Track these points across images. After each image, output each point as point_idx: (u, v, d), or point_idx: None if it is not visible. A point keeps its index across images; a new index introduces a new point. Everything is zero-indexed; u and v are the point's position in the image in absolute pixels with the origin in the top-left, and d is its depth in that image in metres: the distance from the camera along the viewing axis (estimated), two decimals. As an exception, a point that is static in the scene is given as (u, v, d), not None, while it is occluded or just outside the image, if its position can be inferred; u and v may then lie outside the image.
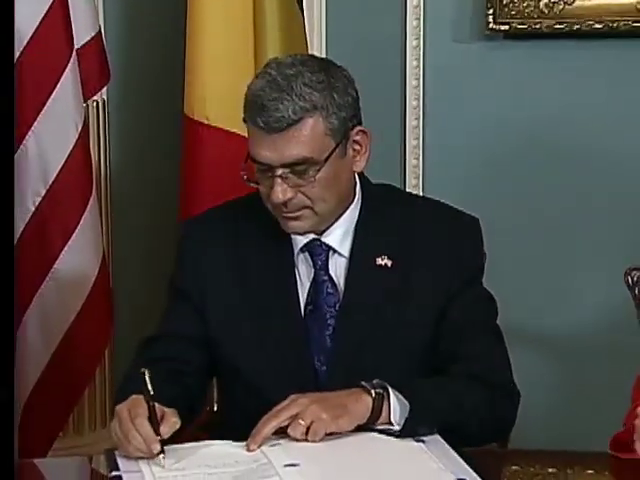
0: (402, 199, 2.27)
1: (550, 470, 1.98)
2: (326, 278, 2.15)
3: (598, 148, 2.94)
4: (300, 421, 1.91)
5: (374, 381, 1.98)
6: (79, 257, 2.83)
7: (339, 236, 2.15)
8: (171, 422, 1.90)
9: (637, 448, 1.86)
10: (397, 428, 1.96)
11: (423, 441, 1.96)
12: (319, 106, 2.03)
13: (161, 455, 1.86)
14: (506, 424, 2.16)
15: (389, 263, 2.15)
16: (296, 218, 2.09)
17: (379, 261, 2.15)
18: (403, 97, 2.98)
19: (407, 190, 2.91)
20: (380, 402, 1.96)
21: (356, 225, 2.16)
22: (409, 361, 2.14)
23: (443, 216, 2.22)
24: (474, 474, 1.82)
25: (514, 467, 2.04)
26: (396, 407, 1.96)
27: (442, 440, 1.95)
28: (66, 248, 2.80)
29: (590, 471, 2.00)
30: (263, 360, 2.13)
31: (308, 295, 2.15)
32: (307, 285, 2.15)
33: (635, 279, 2.37)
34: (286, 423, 1.92)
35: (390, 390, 1.97)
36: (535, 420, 2.26)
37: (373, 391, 1.96)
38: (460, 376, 2.08)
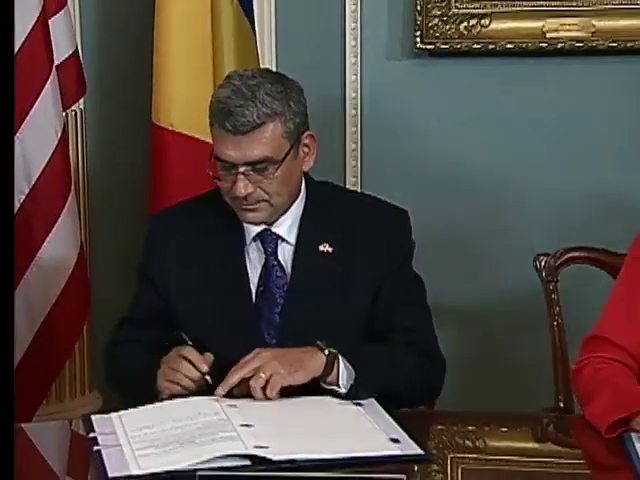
0: (341, 194, 2.29)
1: (470, 428, 2.00)
2: (275, 263, 2.15)
3: (507, 151, 2.96)
4: (261, 374, 1.94)
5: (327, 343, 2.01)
6: (59, 247, 2.81)
7: (287, 226, 2.16)
8: (208, 357, 2.01)
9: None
10: (343, 391, 1.99)
11: (361, 404, 1.97)
12: (278, 112, 2.04)
13: (207, 376, 1.97)
14: (436, 388, 2.19)
15: (330, 250, 2.16)
16: (254, 210, 2.10)
17: (321, 248, 2.16)
18: (343, 107, 2.98)
19: (347, 187, 2.92)
20: (332, 359, 1.98)
21: (301, 217, 2.17)
22: (351, 336, 2.15)
23: (377, 209, 2.23)
24: (404, 433, 1.84)
25: (439, 426, 2.05)
26: (344, 372, 1.99)
27: (377, 404, 1.97)
28: (48, 239, 2.78)
29: (504, 429, 2.02)
30: (221, 334, 2.13)
31: (260, 278, 2.15)
32: (258, 269, 2.16)
33: (542, 263, 2.39)
34: (250, 375, 1.95)
35: (339, 356, 1.99)
36: (457, 386, 2.27)
37: (326, 350, 1.99)
38: (398, 345, 2.10)
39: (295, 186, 2.15)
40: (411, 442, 1.80)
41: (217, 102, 2.06)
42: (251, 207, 2.09)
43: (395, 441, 1.81)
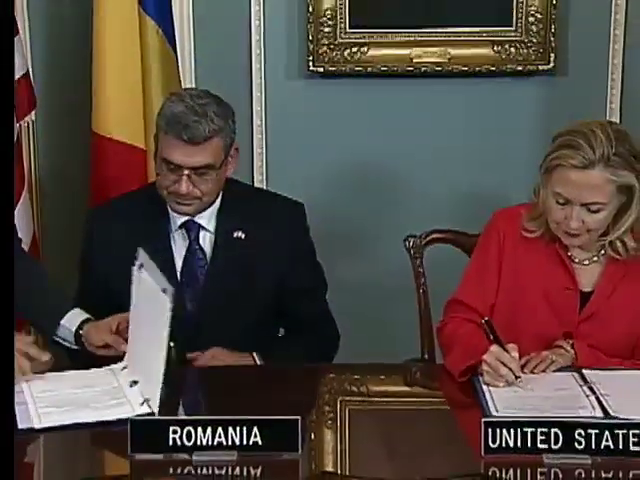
0: (247, 190, 2.31)
1: (355, 377, 2.05)
2: (197, 248, 2.18)
3: (385, 153, 3.00)
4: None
5: None
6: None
7: (207, 217, 2.18)
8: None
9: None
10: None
11: None
12: (222, 129, 2.07)
13: None
14: (332, 354, 2.27)
15: (243, 236, 2.18)
16: (187, 204, 2.11)
17: (235, 234, 2.17)
18: (251, 118, 2.99)
19: (255, 184, 2.93)
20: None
21: (219, 209, 2.18)
22: (261, 305, 2.18)
23: (277, 202, 2.27)
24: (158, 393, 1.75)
25: (331, 375, 2.10)
26: None
27: None
28: (5, 231, 2.72)
29: (382, 376, 2.08)
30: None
31: (184, 260, 2.17)
32: (183, 253, 2.17)
33: (411, 243, 2.43)
34: None
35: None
36: (345, 343, 2.31)
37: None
38: (309, 332, 2.19)
39: (221, 188, 2.16)
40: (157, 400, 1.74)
41: (172, 115, 2.06)
42: (185, 202, 2.11)
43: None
